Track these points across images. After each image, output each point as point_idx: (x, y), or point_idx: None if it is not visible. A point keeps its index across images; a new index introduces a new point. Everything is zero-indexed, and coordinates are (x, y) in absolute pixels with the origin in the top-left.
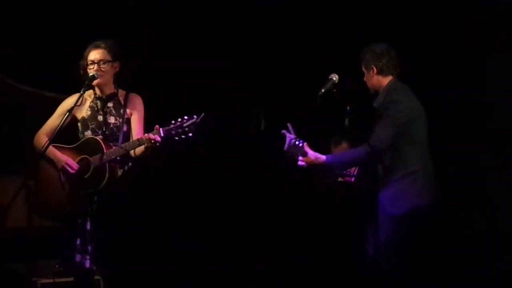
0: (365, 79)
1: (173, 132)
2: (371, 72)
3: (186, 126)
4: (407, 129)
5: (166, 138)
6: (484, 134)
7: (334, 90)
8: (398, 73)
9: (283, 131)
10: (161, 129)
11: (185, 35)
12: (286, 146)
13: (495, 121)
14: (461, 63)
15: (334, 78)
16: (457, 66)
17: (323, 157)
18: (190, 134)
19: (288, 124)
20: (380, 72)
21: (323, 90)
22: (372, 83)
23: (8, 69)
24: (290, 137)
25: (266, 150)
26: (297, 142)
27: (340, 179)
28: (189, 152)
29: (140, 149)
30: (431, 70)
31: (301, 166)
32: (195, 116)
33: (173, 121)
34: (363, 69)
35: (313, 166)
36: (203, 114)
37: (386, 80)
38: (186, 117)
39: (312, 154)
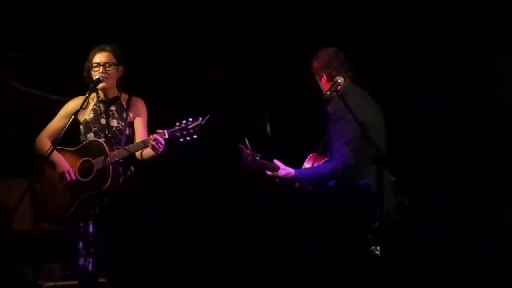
0: (320, 87)
1: (178, 134)
2: (322, 79)
3: (191, 128)
4: (365, 135)
5: (171, 140)
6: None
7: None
8: (350, 76)
9: (240, 145)
10: (165, 131)
11: (190, 37)
12: (242, 161)
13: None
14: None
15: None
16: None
17: (292, 172)
18: (195, 136)
19: (246, 139)
20: (330, 79)
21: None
22: (327, 89)
23: (15, 72)
24: (246, 152)
25: (272, 152)
26: (256, 157)
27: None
28: (193, 154)
29: (148, 152)
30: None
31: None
32: (200, 118)
33: (177, 123)
34: (317, 76)
35: (283, 181)
36: (208, 116)
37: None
38: (191, 119)
39: (283, 169)
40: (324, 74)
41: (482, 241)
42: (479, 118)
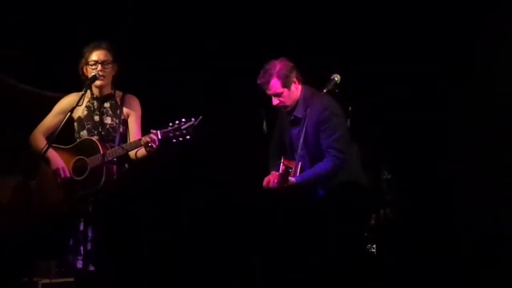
0: (282, 99)
1: (171, 135)
2: (293, 85)
3: (184, 129)
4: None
5: (164, 140)
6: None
7: (336, 90)
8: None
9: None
10: (158, 131)
11: (184, 35)
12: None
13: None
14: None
15: (336, 79)
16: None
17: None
18: (188, 137)
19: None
20: (299, 81)
21: (325, 91)
22: (294, 97)
23: (12, 70)
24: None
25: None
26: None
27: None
28: (189, 153)
29: (142, 152)
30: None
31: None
32: (193, 119)
33: (170, 124)
34: (281, 89)
35: (285, 189)
36: (201, 117)
37: (300, 88)
38: (183, 120)
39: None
40: (295, 78)
41: (478, 240)
42: (479, 118)
